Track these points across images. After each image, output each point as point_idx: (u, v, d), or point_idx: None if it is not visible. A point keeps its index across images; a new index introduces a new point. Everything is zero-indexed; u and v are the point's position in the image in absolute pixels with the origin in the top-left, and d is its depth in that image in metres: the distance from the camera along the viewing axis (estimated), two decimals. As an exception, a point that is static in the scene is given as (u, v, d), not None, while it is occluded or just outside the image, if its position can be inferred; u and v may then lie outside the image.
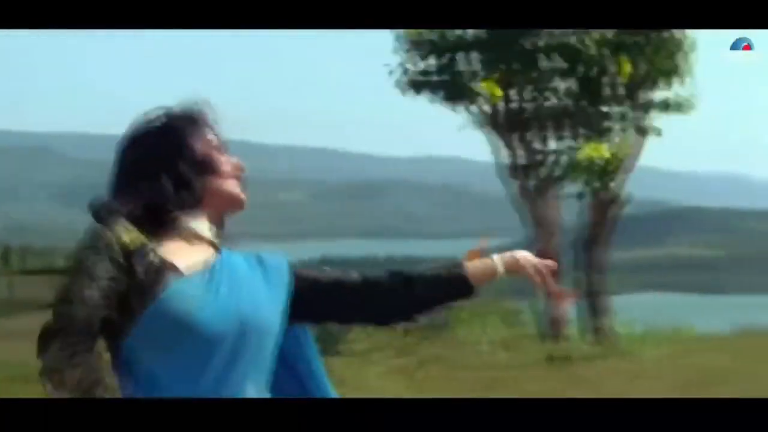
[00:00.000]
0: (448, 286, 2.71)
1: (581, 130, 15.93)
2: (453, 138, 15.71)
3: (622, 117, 16.02)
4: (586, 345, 15.05)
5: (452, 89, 15.56)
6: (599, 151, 15.44)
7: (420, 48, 15.57)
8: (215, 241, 2.59)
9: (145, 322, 2.42)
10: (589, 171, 15.62)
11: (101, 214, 2.50)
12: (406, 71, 15.66)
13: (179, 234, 2.53)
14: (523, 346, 14.95)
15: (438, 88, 15.66)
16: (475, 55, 15.45)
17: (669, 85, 15.90)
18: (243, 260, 2.61)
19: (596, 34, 14.90)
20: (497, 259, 2.73)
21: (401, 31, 15.54)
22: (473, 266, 2.73)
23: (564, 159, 16.02)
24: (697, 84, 15.85)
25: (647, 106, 16.01)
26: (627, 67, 15.27)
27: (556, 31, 14.86)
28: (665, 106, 16.00)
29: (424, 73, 15.69)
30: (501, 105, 15.68)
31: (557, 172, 16.05)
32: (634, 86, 15.74)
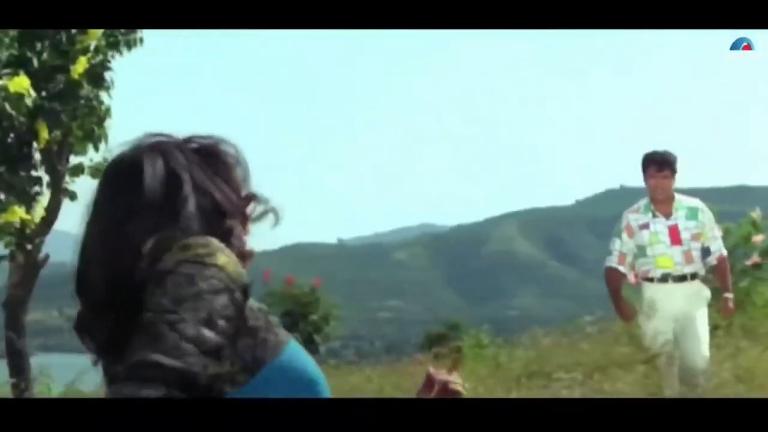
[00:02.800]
0: None
1: (2, 196, 16.13)
2: None
3: (40, 182, 16.46)
4: None
5: None
6: (16, 214, 15.79)
7: None
8: None
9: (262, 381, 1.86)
10: (7, 234, 15.87)
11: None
12: None
13: None
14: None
15: None
16: None
17: (85, 150, 16.56)
18: None
19: (19, 101, 15.25)
20: None
21: None
22: None
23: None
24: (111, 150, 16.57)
25: (65, 171, 16.56)
26: (44, 133, 15.78)
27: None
28: (81, 170, 16.68)
29: None
30: None
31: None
32: (52, 151, 16.27)
